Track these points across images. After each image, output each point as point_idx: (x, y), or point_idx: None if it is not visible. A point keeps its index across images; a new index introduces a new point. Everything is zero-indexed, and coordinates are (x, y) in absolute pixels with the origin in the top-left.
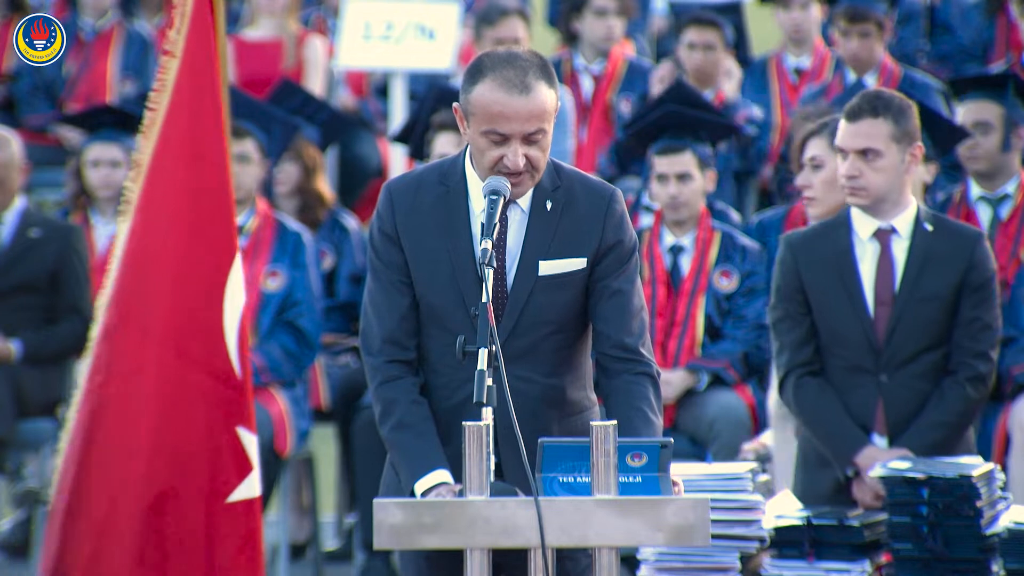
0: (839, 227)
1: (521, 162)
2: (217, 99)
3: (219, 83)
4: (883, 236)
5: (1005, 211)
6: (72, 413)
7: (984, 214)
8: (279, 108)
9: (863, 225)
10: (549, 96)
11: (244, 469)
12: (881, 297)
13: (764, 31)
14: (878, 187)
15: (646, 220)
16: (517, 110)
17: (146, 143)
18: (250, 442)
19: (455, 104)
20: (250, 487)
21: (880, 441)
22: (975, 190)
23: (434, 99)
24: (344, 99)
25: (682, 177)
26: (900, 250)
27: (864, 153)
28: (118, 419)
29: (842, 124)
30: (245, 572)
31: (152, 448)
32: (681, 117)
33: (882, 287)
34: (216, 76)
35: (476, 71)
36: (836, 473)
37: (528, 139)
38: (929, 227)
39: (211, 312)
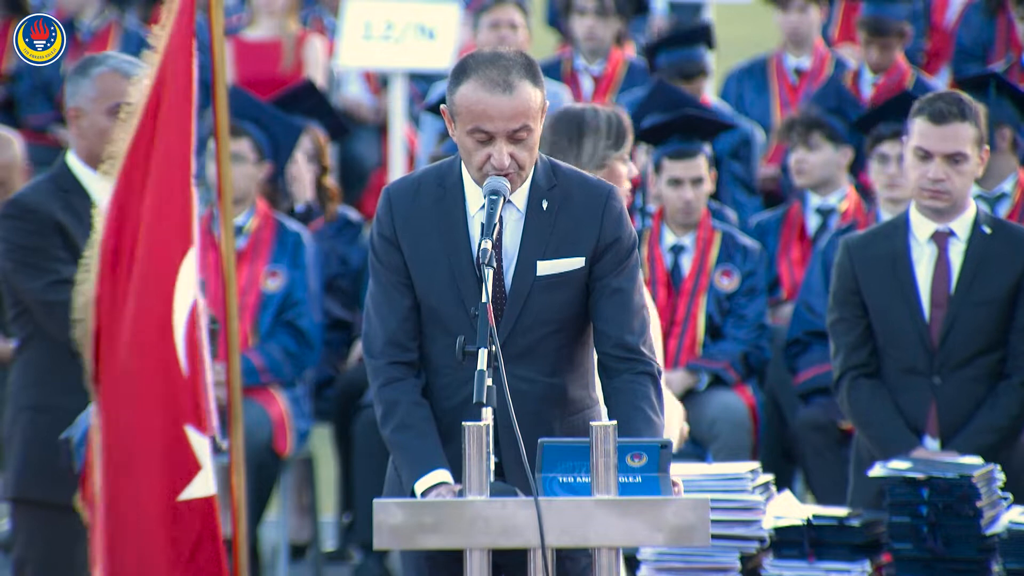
0: (897, 229)
1: (507, 161)
2: (188, 96)
3: (192, 80)
4: (941, 239)
5: (1003, 210)
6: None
7: None
8: (289, 108)
9: (921, 227)
10: (533, 94)
11: (193, 468)
12: (936, 299)
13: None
14: (960, 191)
15: (641, 222)
16: (500, 108)
17: (122, 136)
18: (199, 442)
19: (442, 106)
20: (204, 485)
21: (932, 443)
22: (973, 188)
23: None
24: (360, 96)
25: (696, 181)
26: (956, 253)
27: (952, 157)
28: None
29: (924, 126)
30: (204, 572)
31: (103, 446)
32: (691, 120)
33: (938, 289)
34: (190, 74)
35: (460, 72)
36: None
37: (513, 137)
38: (987, 230)
39: (160, 307)
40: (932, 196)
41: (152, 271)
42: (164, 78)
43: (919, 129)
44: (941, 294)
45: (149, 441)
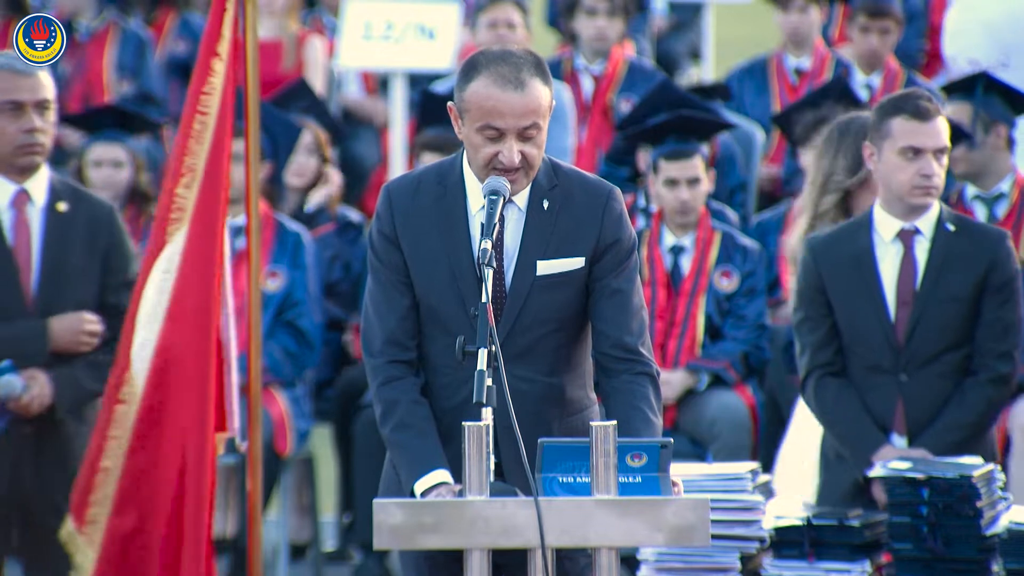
0: (860, 228)
1: (516, 158)
2: (229, 103)
3: (232, 84)
4: (906, 237)
5: (1001, 210)
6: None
7: (980, 213)
8: (287, 107)
9: (886, 226)
10: (543, 93)
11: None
12: (902, 297)
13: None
14: (943, 185)
15: (644, 223)
16: (512, 105)
17: (199, 148)
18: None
19: (449, 103)
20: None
21: (899, 441)
22: (970, 189)
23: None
24: (356, 96)
25: (692, 181)
26: (921, 250)
27: (940, 152)
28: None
29: (910, 124)
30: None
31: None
32: (688, 121)
33: (903, 287)
34: (232, 78)
35: (471, 68)
36: (856, 473)
37: (523, 135)
38: (951, 227)
39: (213, 310)
40: (926, 193)
41: (219, 277)
42: (227, 89)
43: (905, 128)
44: (907, 292)
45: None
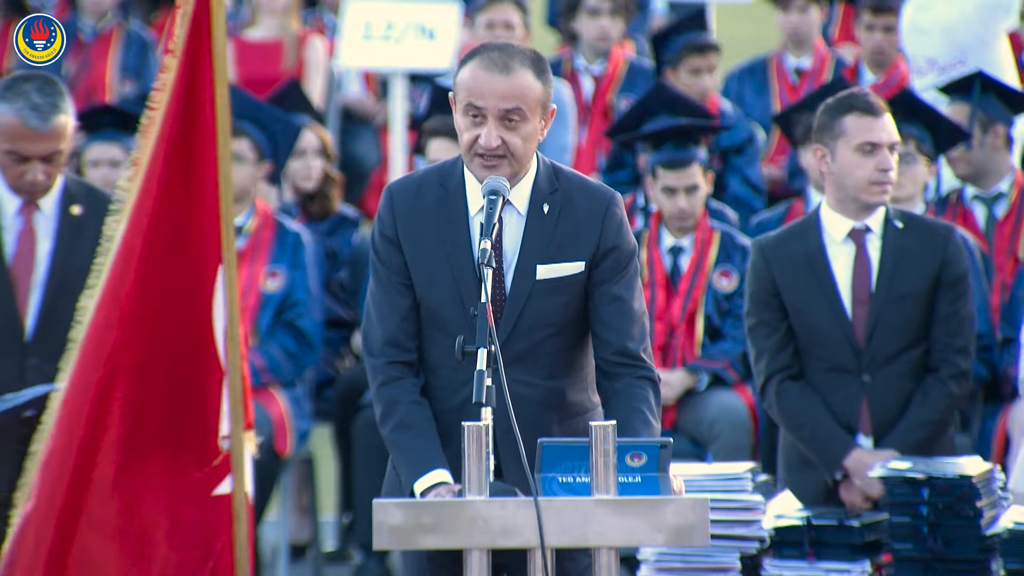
0: (809, 228)
1: (495, 142)
2: (210, 99)
3: (213, 82)
4: (858, 236)
5: (1000, 210)
6: (54, 413)
7: (980, 213)
8: (282, 108)
9: (836, 226)
10: (532, 83)
11: (226, 466)
12: (858, 296)
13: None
14: (895, 181)
15: (643, 223)
16: (493, 87)
17: (145, 143)
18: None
19: (449, 93)
20: (226, 483)
21: (865, 441)
22: (970, 189)
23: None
24: (359, 94)
25: (690, 189)
26: (874, 249)
27: (894, 147)
28: (129, 414)
29: (864, 121)
30: (224, 568)
31: (152, 441)
32: (682, 129)
33: (859, 286)
34: (210, 75)
35: (467, 57)
36: (822, 475)
37: (504, 119)
38: (900, 224)
39: (200, 309)
40: (883, 190)
41: (191, 276)
42: (186, 85)
43: (860, 125)
44: (863, 291)
45: (191, 437)
